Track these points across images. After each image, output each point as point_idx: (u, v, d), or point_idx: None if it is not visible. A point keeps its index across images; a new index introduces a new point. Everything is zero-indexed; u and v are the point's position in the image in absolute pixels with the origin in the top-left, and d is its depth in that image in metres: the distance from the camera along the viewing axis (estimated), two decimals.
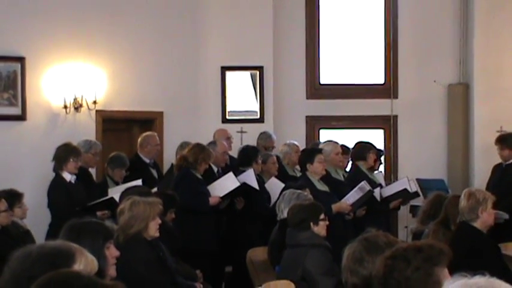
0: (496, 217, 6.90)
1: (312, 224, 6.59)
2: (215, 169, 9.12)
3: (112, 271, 3.96)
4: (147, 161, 9.70)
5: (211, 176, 8.82)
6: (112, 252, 4.01)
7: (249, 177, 8.70)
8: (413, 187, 9.80)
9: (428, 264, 3.23)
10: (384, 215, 9.31)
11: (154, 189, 7.79)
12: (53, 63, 9.91)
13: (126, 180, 8.97)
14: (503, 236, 7.86)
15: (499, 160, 9.99)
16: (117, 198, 7.90)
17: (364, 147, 9.74)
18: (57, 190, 8.37)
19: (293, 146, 9.89)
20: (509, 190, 8.62)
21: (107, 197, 8.21)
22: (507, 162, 9.79)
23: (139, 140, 9.79)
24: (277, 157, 9.70)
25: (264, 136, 10.37)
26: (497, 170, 10.03)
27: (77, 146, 8.67)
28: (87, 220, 4.32)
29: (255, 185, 8.63)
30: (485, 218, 6.51)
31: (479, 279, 2.49)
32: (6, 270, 3.08)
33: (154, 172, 9.71)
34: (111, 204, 7.98)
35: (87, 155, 9.17)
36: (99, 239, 3.98)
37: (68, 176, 8.42)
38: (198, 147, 8.64)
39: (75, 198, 8.24)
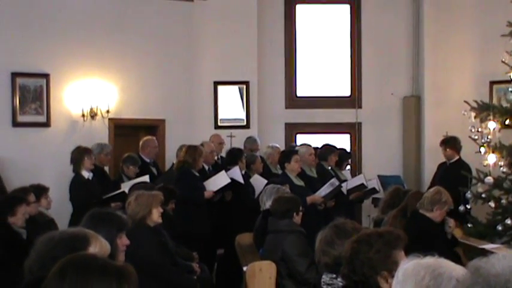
0: None
1: (295, 213, 6.59)
2: (206, 167, 9.10)
3: (121, 257, 3.87)
4: (148, 160, 9.66)
5: (204, 174, 8.80)
6: (123, 241, 3.92)
7: (235, 173, 8.71)
8: (374, 183, 9.85)
9: (388, 247, 3.23)
10: (347, 206, 9.32)
11: (160, 185, 7.73)
12: (73, 79, 9.89)
13: (137, 176, 8.94)
14: None
15: (444, 160, 10.03)
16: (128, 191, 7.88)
17: (327, 149, 9.73)
18: (77, 187, 8.37)
19: (275, 148, 9.86)
20: (453, 185, 8.61)
21: (119, 191, 8.18)
22: (451, 161, 9.81)
23: (140, 143, 9.76)
24: (261, 157, 9.69)
25: (250, 140, 10.35)
26: (441, 167, 10.05)
27: (86, 147, 8.65)
28: (106, 210, 4.24)
29: (240, 179, 8.64)
30: (436, 215, 6.53)
31: (429, 260, 2.50)
32: (32, 252, 3.07)
33: (154, 170, 9.67)
34: (123, 196, 7.95)
35: (101, 155, 9.15)
36: (114, 228, 3.87)
37: (86, 174, 8.42)
38: (191, 148, 8.57)
39: (92, 193, 8.22)
